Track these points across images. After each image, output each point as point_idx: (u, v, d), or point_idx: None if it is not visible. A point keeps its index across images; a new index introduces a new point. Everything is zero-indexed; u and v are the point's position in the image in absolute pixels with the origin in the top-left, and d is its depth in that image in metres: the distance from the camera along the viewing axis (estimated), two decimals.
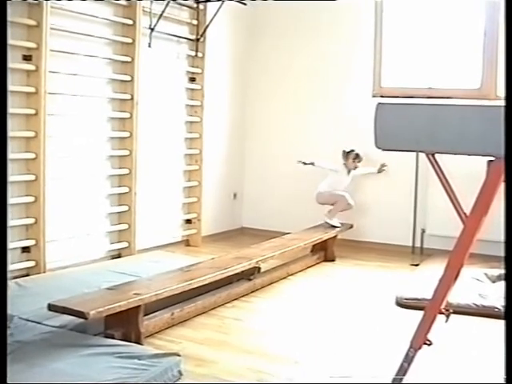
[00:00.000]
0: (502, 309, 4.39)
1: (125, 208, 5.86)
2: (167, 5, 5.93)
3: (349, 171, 6.47)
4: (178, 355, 3.35)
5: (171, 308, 4.18)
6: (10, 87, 4.52)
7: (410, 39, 6.71)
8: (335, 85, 6.95)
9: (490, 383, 3.23)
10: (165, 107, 6.36)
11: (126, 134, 5.79)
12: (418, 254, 6.61)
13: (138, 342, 3.64)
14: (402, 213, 6.71)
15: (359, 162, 6.42)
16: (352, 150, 6.39)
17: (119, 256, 5.84)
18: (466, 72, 6.47)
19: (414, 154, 5.90)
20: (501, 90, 6.15)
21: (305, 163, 6.44)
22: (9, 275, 4.23)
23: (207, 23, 6.57)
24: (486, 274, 5.25)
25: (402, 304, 4.72)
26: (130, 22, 5.69)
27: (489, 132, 2.37)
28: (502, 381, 2.28)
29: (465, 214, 2.58)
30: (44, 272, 5.00)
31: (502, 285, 4.91)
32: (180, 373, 3.25)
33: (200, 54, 6.62)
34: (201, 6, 6.58)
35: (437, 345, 2.75)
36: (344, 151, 6.44)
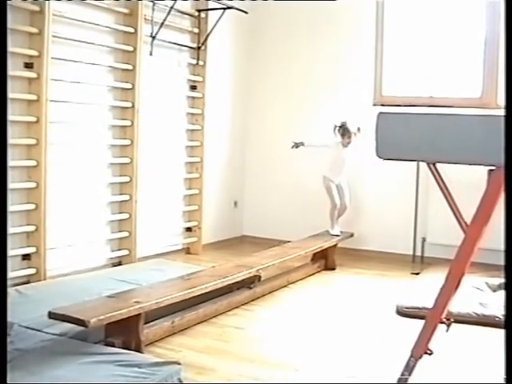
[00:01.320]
0: (503, 318, 4.38)
1: (125, 216, 5.86)
2: (169, 13, 5.95)
3: (343, 146, 6.34)
4: (179, 363, 3.34)
5: (172, 316, 4.18)
6: (12, 95, 4.53)
7: (410, 48, 6.73)
8: (337, 94, 6.95)
9: (490, 383, 3.23)
10: (166, 115, 6.37)
11: (127, 142, 5.79)
12: (418, 262, 6.61)
13: (139, 350, 3.63)
14: (403, 221, 6.71)
15: (349, 137, 6.27)
16: (342, 125, 6.29)
17: (120, 264, 5.83)
18: (467, 81, 6.49)
19: (415, 162, 5.90)
20: (501, 99, 6.16)
21: (296, 145, 6.43)
22: (9, 282, 4.23)
23: (208, 31, 6.58)
24: (486, 283, 5.24)
25: (403, 313, 4.71)
26: (132, 30, 5.71)
27: (490, 141, 2.38)
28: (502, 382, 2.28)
29: (465, 223, 2.58)
30: (44, 279, 5.00)
31: (502, 294, 4.90)
32: (180, 381, 3.24)
33: (201, 62, 6.64)
34: (202, 15, 6.61)
35: (437, 354, 2.74)
36: (335, 126, 6.34)
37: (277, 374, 3.54)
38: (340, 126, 6.30)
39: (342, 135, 6.30)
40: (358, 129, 6.27)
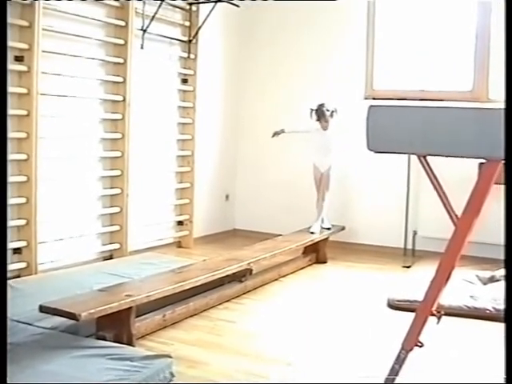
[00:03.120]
0: (493, 310, 4.41)
1: (117, 209, 5.85)
2: (160, 6, 5.93)
3: (323, 130, 6.28)
4: (170, 357, 3.34)
5: (163, 310, 4.18)
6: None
7: (402, 41, 6.74)
8: (329, 88, 6.93)
9: (490, 383, 3.24)
10: (157, 109, 6.36)
11: (118, 136, 5.78)
12: (409, 255, 6.62)
13: (130, 344, 3.63)
14: (394, 215, 6.72)
15: (326, 120, 6.21)
16: (318, 108, 6.23)
17: (111, 257, 5.83)
18: (458, 74, 6.50)
19: (406, 155, 5.91)
20: (492, 93, 6.17)
21: (277, 133, 6.42)
22: None
23: (200, 25, 6.57)
24: (477, 276, 5.26)
25: (394, 306, 4.73)
26: (123, 23, 5.69)
27: (481, 134, 2.38)
28: (502, 381, 2.29)
29: (456, 216, 2.59)
30: (35, 273, 4.99)
31: (493, 287, 4.92)
32: (172, 374, 3.25)
33: (192, 56, 6.62)
34: (193, 8, 6.59)
35: (428, 346, 2.75)
36: (311, 109, 6.27)
37: (269, 367, 3.55)
38: (316, 110, 6.24)
39: (318, 118, 6.24)
40: (335, 110, 6.23)
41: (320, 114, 6.22)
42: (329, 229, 6.44)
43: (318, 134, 6.30)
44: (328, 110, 6.21)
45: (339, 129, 6.31)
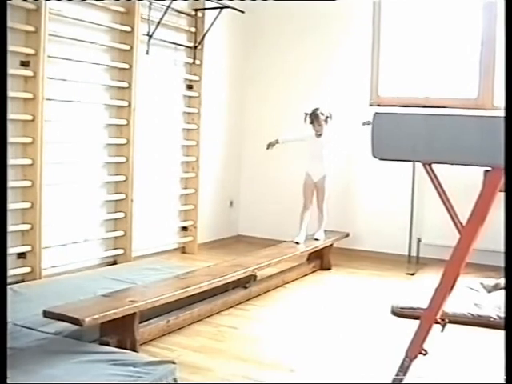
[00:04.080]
0: (498, 318, 4.39)
1: (121, 215, 5.85)
2: (165, 12, 5.94)
3: (318, 136, 6.17)
4: (173, 363, 3.33)
5: (167, 315, 4.17)
6: (8, 93, 4.52)
7: (407, 49, 6.73)
8: (333, 94, 6.94)
9: (490, 383, 3.23)
10: (162, 114, 6.37)
11: (123, 141, 5.79)
12: (413, 263, 6.61)
13: (134, 350, 3.62)
14: (399, 222, 6.71)
15: (319, 124, 6.08)
16: (312, 112, 6.11)
17: (115, 263, 5.83)
18: (463, 82, 6.49)
19: (411, 163, 5.90)
20: (497, 100, 6.17)
21: (271, 144, 6.33)
22: None
23: (205, 31, 6.58)
24: (481, 284, 5.24)
25: (398, 313, 4.71)
26: (128, 28, 5.70)
27: (485, 142, 2.38)
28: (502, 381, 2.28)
29: (461, 223, 2.58)
30: (39, 278, 4.99)
31: (497, 295, 4.91)
32: (175, 380, 3.24)
33: (198, 62, 6.63)
34: (199, 14, 6.60)
35: (432, 354, 2.75)
36: (305, 113, 6.13)
37: (272, 374, 3.54)
38: (310, 114, 6.12)
39: (312, 122, 6.12)
40: (329, 116, 6.12)
41: (314, 117, 6.10)
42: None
43: (312, 141, 6.21)
44: (322, 114, 6.11)
45: (334, 135, 6.24)
